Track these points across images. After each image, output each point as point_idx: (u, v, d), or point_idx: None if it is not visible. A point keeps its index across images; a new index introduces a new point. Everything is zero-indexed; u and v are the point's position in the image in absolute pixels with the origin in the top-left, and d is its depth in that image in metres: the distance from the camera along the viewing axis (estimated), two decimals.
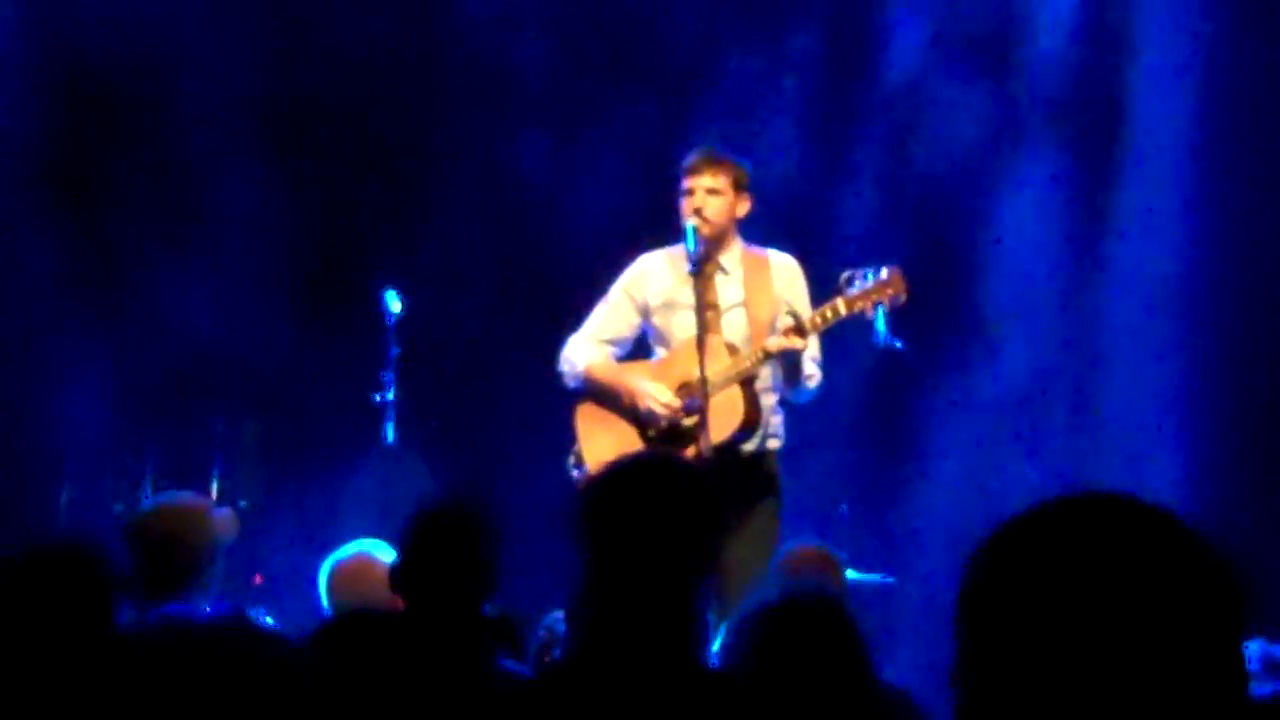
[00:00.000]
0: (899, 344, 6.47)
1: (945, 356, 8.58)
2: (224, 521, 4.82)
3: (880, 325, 6.39)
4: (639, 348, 6.76)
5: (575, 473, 6.58)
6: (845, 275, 6.32)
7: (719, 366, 6.29)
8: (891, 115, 9.06)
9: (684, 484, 3.35)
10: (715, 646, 3.85)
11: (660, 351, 6.64)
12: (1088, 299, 8.74)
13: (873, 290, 6.26)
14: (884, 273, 6.28)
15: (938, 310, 8.47)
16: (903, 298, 6.30)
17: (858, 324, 6.44)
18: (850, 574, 7.35)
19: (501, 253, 9.02)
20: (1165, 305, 8.54)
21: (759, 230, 6.74)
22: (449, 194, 8.99)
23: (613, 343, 6.69)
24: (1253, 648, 4.99)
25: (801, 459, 7.87)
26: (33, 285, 8.69)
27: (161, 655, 2.26)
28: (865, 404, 8.63)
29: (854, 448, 8.70)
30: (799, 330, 6.23)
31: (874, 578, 7.52)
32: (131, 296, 8.76)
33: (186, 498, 4.88)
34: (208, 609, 4.41)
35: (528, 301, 8.67)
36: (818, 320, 6.28)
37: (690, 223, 6.38)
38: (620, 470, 3.43)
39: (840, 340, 6.76)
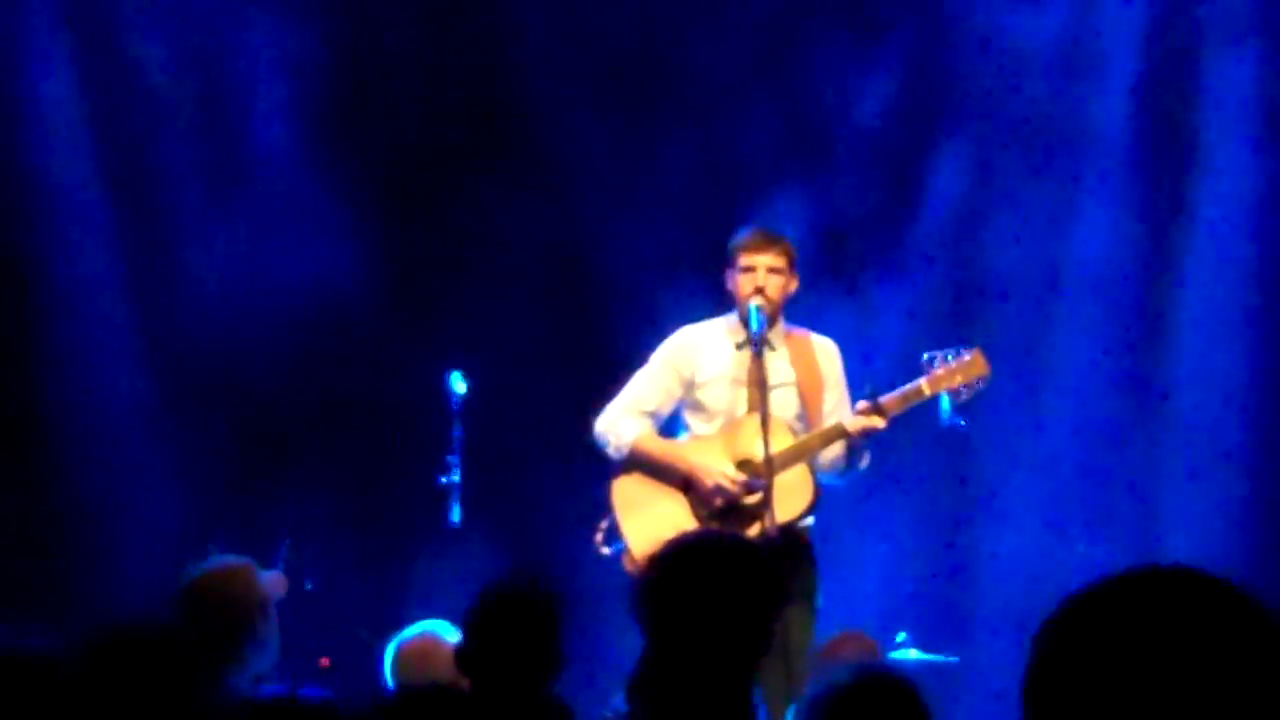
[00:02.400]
0: (963, 423, 6.45)
1: (1009, 432, 8.54)
2: (271, 579, 4.85)
3: (945, 404, 6.37)
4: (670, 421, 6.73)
5: (606, 549, 6.54)
6: (926, 356, 6.30)
7: (780, 445, 6.27)
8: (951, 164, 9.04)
9: (750, 564, 3.36)
10: None
11: (697, 424, 6.59)
12: (1151, 367, 8.68)
13: (956, 371, 6.24)
14: (966, 354, 6.26)
15: (1001, 382, 8.46)
16: (986, 379, 6.28)
17: (922, 404, 6.42)
18: (914, 653, 7.33)
19: (565, 333, 9.04)
20: (1231, 366, 8.48)
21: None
22: (513, 275, 9.03)
23: (652, 415, 6.63)
24: None
25: (864, 536, 7.86)
26: (103, 369, 8.78)
27: None
28: (928, 480, 8.59)
29: (917, 524, 8.66)
30: (878, 411, 6.20)
31: (938, 657, 7.48)
32: (202, 374, 8.84)
33: (230, 558, 4.92)
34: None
35: (593, 382, 8.67)
36: (899, 401, 6.26)
37: (754, 302, 6.37)
38: (686, 549, 3.44)
39: (904, 418, 6.75)
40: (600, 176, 9.10)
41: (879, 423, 6.19)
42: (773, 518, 6.09)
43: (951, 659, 7.58)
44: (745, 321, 6.41)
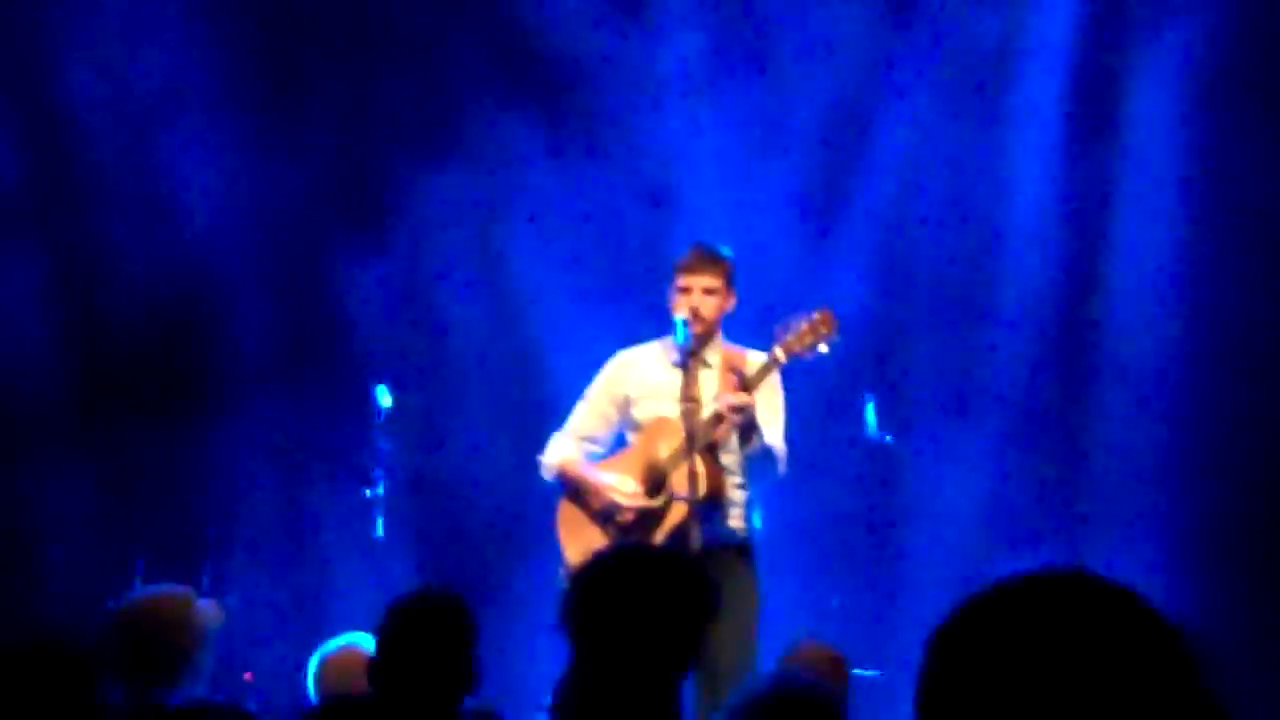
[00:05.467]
0: (889, 438, 6.44)
1: (936, 445, 8.54)
2: (209, 610, 4.81)
3: (870, 418, 6.38)
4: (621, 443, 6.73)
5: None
6: (779, 326, 6.33)
7: (672, 445, 6.31)
8: (880, 185, 9.04)
9: (678, 577, 3.34)
10: None
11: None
12: (1076, 378, 8.73)
13: (806, 332, 6.28)
14: (815, 315, 6.30)
15: (927, 397, 8.47)
16: (835, 337, 6.30)
17: (849, 418, 6.41)
18: None
19: (493, 346, 9.00)
20: (1155, 384, 8.53)
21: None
22: (440, 286, 9.00)
23: (591, 440, 6.68)
24: None
25: (794, 551, 7.84)
26: (24, 387, 8.70)
27: None
28: (856, 496, 8.58)
29: (846, 540, 8.64)
30: (743, 385, 6.23)
31: (866, 672, 7.46)
32: (127, 397, 8.77)
33: (170, 588, 4.89)
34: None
35: (519, 396, 8.66)
36: (760, 373, 6.28)
37: (680, 316, 6.37)
38: (611, 562, 3.43)
39: (831, 432, 6.75)
40: (535, 190, 9.07)
41: (744, 397, 6.19)
42: (686, 533, 6.09)
43: (874, 673, 7.57)
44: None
